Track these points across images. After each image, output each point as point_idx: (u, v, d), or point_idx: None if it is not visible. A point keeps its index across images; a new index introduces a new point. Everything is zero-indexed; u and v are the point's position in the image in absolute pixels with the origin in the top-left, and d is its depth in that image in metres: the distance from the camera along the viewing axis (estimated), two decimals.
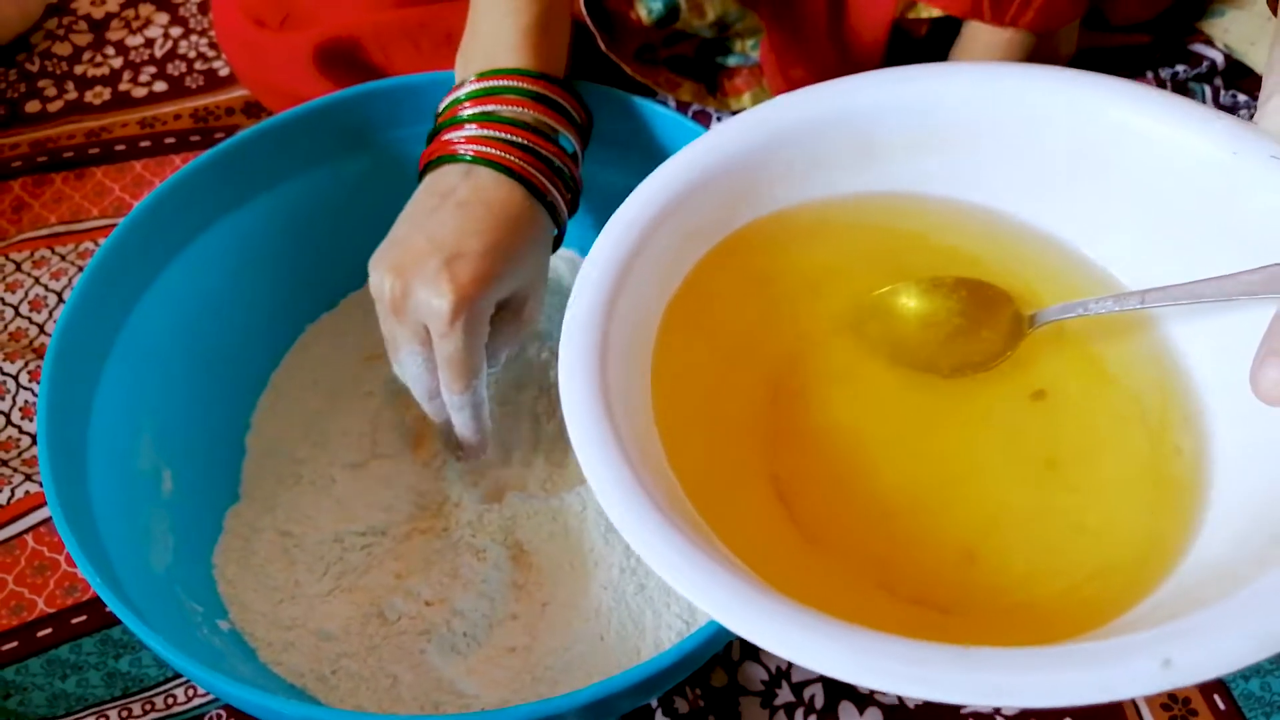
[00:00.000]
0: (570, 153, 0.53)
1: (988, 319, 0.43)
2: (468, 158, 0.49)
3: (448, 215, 0.48)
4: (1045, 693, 0.28)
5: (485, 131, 0.49)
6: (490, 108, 0.50)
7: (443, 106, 0.51)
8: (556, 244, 0.53)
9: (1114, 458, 0.40)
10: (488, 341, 0.49)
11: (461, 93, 0.51)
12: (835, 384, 0.43)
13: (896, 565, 0.38)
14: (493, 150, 0.49)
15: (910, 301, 0.44)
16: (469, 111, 0.50)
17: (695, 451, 0.39)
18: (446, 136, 0.50)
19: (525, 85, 0.50)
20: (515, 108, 0.50)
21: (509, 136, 0.49)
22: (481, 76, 0.50)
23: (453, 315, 0.46)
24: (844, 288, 0.45)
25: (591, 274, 0.39)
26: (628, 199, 0.42)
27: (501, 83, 0.50)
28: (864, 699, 0.51)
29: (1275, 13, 0.37)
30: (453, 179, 0.49)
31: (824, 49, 0.66)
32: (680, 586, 0.31)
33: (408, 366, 0.50)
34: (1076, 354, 0.43)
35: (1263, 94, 0.38)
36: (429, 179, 0.50)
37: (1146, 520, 0.38)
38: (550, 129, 0.51)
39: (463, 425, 0.51)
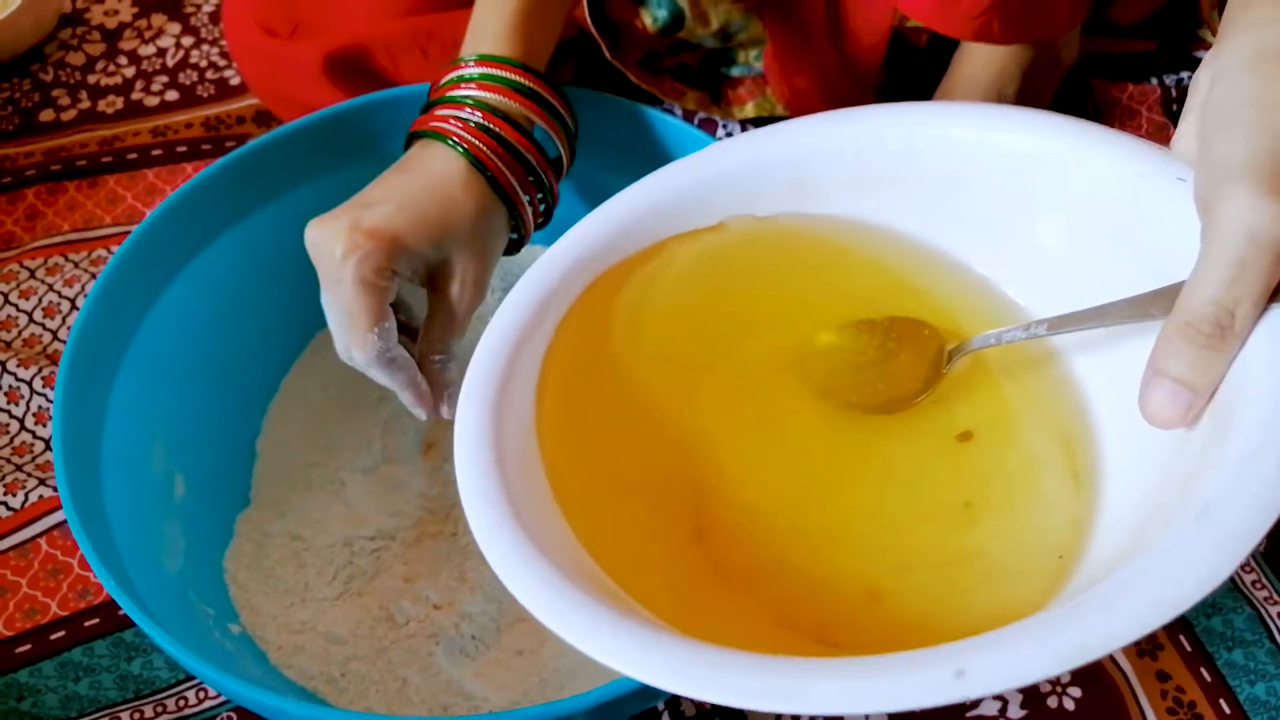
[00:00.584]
0: (553, 157, 0.52)
1: (915, 356, 0.43)
2: (427, 133, 0.49)
3: (384, 178, 0.49)
4: (833, 700, 0.28)
5: (449, 111, 0.49)
6: (460, 92, 0.50)
7: (445, 79, 0.52)
8: (516, 247, 0.53)
9: (1029, 499, 0.40)
10: (429, 327, 0.49)
11: (441, 80, 0.51)
12: (764, 425, 0.43)
13: (799, 603, 0.38)
14: (449, 127, 0.49)
15: (845, 341, 0.44)
16: (442, 95, 0.50)
17: (596, 493, 0.39)
18: (419, 118, 0.51)
19: (497, 71, 0.50)
20: (484, 92, 0.50)
21: (470, 116, 0.49)
22: (456, 64, 0.51)
23: (343, 256, 0.45)
24: (781, 325, 0.45)
25: (499, 323, 0.40)
26: (554, 246, 0.43)
27: (474, 69, 0.50)
28: None
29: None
30: (411, 152, 0.50)
31: (826, 57, 0.66)
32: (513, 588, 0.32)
33: (328, 317, 0.48)
34: (999, 393, 0.43)
35: (1182, 115, 0.38)
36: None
37: (1054, 562, 0.38)
38: (526, 120, 0.51)
39: (381, 380, 0.49)
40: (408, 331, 0.52)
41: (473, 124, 0.49)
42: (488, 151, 0.49)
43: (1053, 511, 0.39)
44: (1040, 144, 0.41)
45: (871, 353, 0.43)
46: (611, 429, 0.42)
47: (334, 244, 0.46)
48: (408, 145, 0.51)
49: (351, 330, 0.47)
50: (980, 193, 0.43)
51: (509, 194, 0.50)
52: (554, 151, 0.53)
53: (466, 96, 0.50)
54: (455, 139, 0.49)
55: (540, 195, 0.52)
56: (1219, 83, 0.35)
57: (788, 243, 0.46)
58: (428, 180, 0.48)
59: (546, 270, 0.43)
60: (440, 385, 0.50)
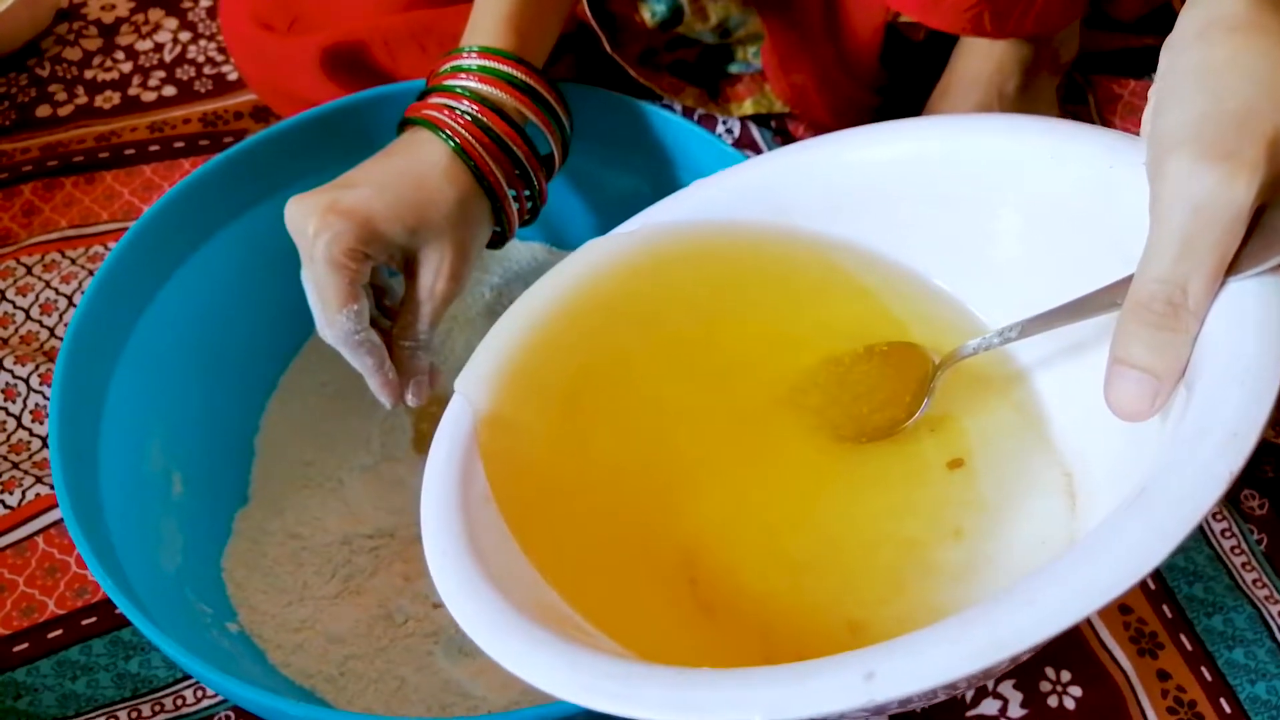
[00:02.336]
0: (544, 154, 0.52)
1: (904, 379, 0.42)
2: (418, 120, 0.49)
3: (370, 161, 0.49)
4: (739, 708, 0.28)
5: (442, 100, 0.49)
6: (456, 82, 0.50)
7: (445, 66, 0.51)
8: (499, 241, 0.53)
9: (1020, 522, 0.39)
10: (401, 313, 0.49)
11: (438, 69, 0.51)
12: (749, 458, 0.42)
13: (782, 636, 0.37)
14: (440, 116, 0.49)
15: (834, 371, 0.43)
16: (438, 85, 0.50)
17: (567, 534, 0.39)
18: (413, 104, 0.51)
19: (495, 64, 0.50)
20: (480, 84, 0.49)
21: (463, 107, 0.49)
22: (455, 54, 0.51)
23: (314, 234, 0.45)
24: (766, 359, 0.44)
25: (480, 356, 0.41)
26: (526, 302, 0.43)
27: (473, 61, 0.50)
28: None
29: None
30: (399, 139, 0.50)
31: (824, 53, 0.66)
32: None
33: (306, 294, 0.48)
34: (991, 419, 0.42)
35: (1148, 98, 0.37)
36: None
37: None
38: (519, 115, 0.51)
39: (350, 359, 0.49)
40: (390, 315, 0.52)
41: (464, 115, 0.49)
42: (475, 144, 0.49)
43: (1046, 532, 0.38)
44: (1007, 148, 0.41)
45: (863, 381, 0.43)
46: (590, 475, 0.42)
47: (308, 222, 0.46)
48: (400, 131, 0.51)
49: (323, 309, 0.47)
50: (946, 207, 0.43)
51: (493, 187, 0.50)
52: (546, 149, 0.53)
53: (462, 87, 0.49)
54: (444, 128, 0.48)
55: (528, 192, 0.52)
56: (1168, 56, 0.34)
57: (771, 267, 0.46)
58: (411, 166, 0.48)
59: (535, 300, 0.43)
60: (409, 373, 0.50)
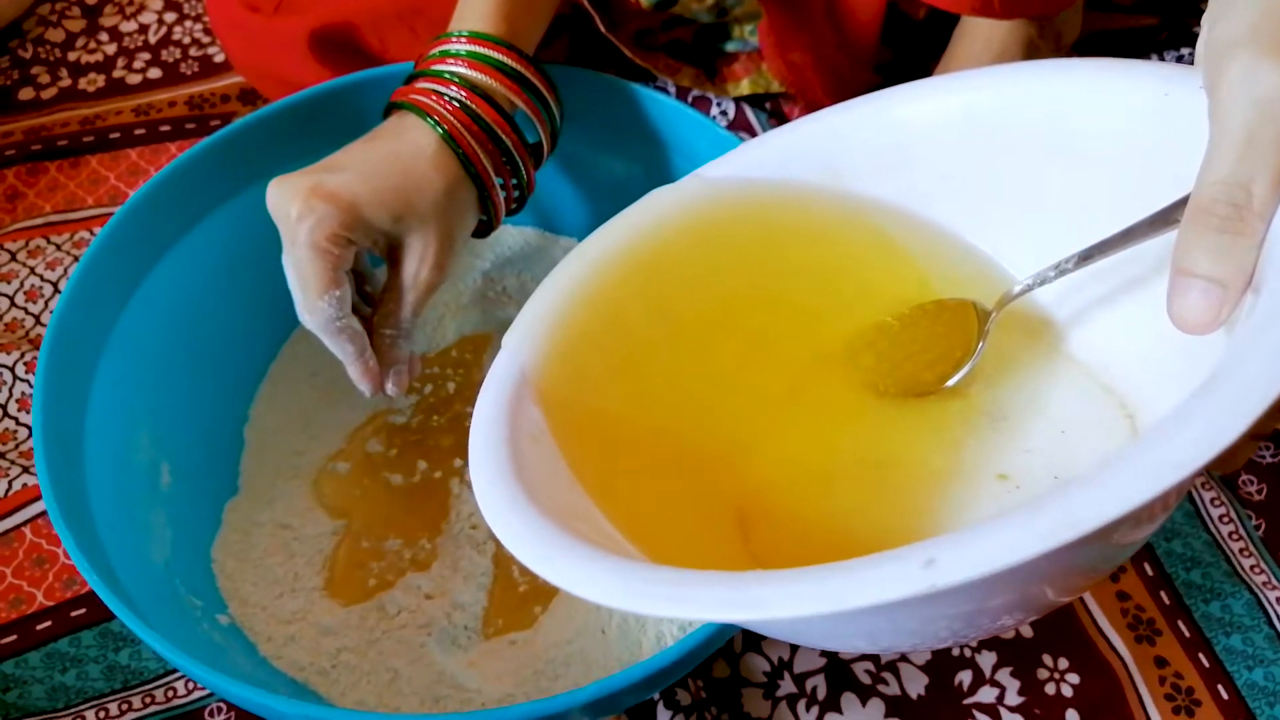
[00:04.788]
0: (532, 142, 0.51)
1: (957, 334, 0.42)
2: (405, 105, 0.48)
3: (355, 144, 0.48)
4: (800, 599, 0.27)
5: (431, 85, 0.49)
6: (445, 67, 0.49)
7: (436, 50, 0.51)
8: (486, 230, 0.52)
9: (1071, 459, 0.39)
10: (383, 300, 0.49)
11: (427, 52, 0.50)
12: (808, 415, 0.42)
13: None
14: (428, 101, 0.48)
15: (890, 330, 0.43)
16: (426, 69, 0.49)
17: (636, 481, 0.39)
18: (400, 88, 0.50)
19: (485, 50, 0.49)
20: (469, 70, 0.49)
21: (451, 93, 0.48)
22: (444, 38, 0.50)
23: (297, 218, 0.45)
24: (816, 319, 0.44)
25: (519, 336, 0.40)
26: (575, 257, 0.42)
27: (462, 46, 0.49)
28: (866, 690, 0.51)
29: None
30: (385, 123, 0.49)
31: (822, 31, 0.65)
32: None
33: (287, 277, 0.48)
34: (1048, 369, 0.42)
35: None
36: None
37: None
38: (508, 102, 0.50)
39: (330, 348, 0.49)
40: (371, 302, 0.51)
41: (453, 101, 0.48)
42: (463, 130, 0.48)
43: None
44: (1060, 92, 0.40)
45: (914, 339, 0.43)
46: (647, 421, 0.41)
47: (290, 205, 0.45)
48: (386, 114, 0.50)
49: (303, 294, 0.46)
50: (996, 159, 0.42)
51: (480, 175, 0.49)
52: (534, 137, 0.52)
53: (451, 73, 0.49)
54: (432, 114, 0.48)
55: (515, 180, 0.51)
56: None
57: (818, 229, 0.45)
58: (397, 151, 0.47)
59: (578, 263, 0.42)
60: (389, 362, 0.49)
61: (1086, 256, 0.38)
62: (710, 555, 0.38)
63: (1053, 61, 0.41)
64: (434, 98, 0.48)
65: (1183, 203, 0.32)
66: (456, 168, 0.48)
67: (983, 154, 0.42)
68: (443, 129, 0.48)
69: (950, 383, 0.42)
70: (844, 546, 0.38)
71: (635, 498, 0.38)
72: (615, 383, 0.41)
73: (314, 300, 0.46)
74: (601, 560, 0.30)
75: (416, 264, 0.48)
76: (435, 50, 0.50)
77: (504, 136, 0.49)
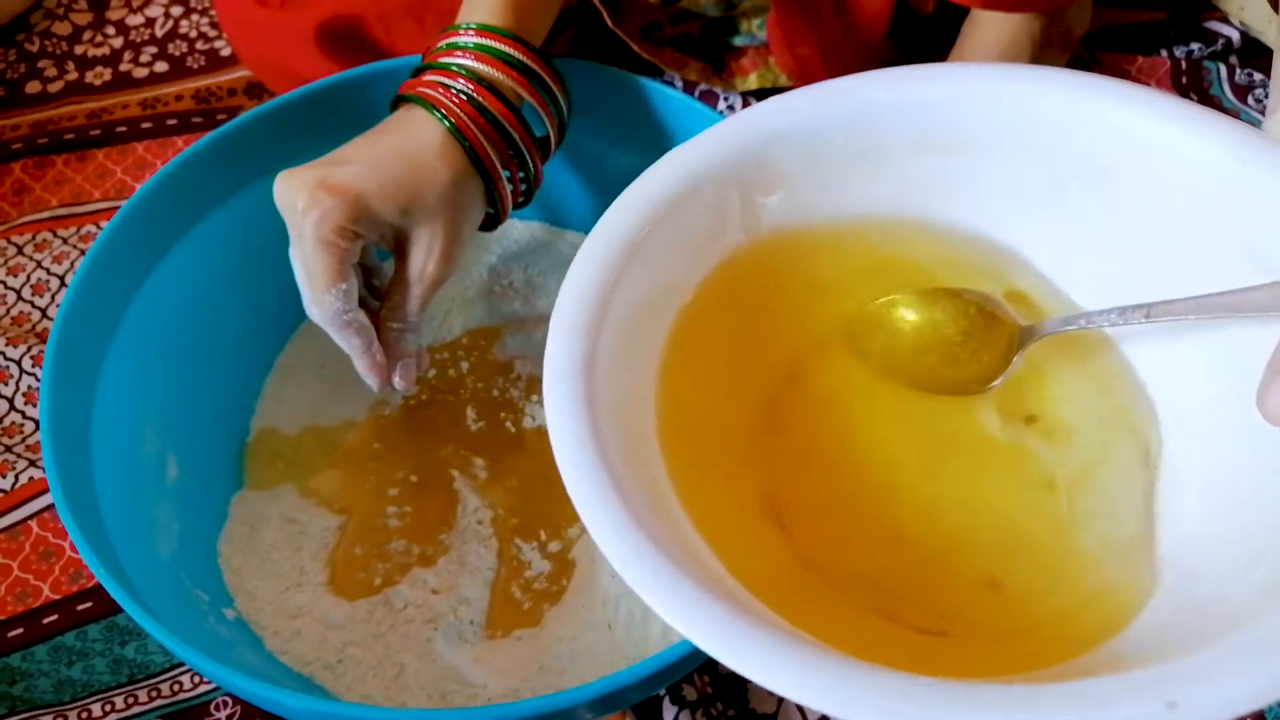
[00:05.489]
0: (540, 136, 0.51)
1: (988, 337, 0.42)
2: (412, 98, 0.48)
3: (362, 138, 0.48)
4: None
5: (437, 78, 0.48)
6: (452, 60, 0.48)
7: (441, 44, 0.50)
8: (493, 223, 0.52)
9: (1105, 480, 0.39)
10: (390, 294, 0.48)
11: (434, 45, 0.50)
12: (831, 403, 0.42)
13: (907, 592, 0.37)
14: (435, 94, 0.48)
15: (910, 317, 0.43)
16: (433, 61, 0.49)
17: (694, 476, 0.38)
18: (407, 81, 0.50)
19: (492, 42, 0.49)
20: (477, 62, 0.48)
21: (458, 85, 0.48)
22: (452, 30, 0.50)
23: (304, 211, 0.45)
24: (837, 305, 0.44)
25: (577, 283, 0.38)
26: (615, 201, 0.40)
27: (470, 38, 0.49)
28: None
29: (1276, 9, 0.36)
30: (392, 116, 0.49)
31: (830, 25, 0.65)
32: (677, 624, 0.30)
33: (295, 271, 0.47)
34: (1072, 372, 0.42)
35: (1271, 100, 0.37)
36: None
37: (1139, 545, 0.37)
38: (515, 95, 0.50)
39: (339, 343, 0.48)
40: (378, 296, 0.51)
41: (460, 94, 0.48)
42: (470, 123, 0.48)
43: (1128, 489, 0.39)
44: (1133, 122, 0.39)
45: (945, 333, 0.42)
46: (710, 393, 0.41)
47: (297, 198, 0.45)
48: (393, 108, 0.50)
49: (310, 288, 0.46)
50: (1049, 167, 0.42)
51: (487, 168, 0.49)
52: (542, 130, 0.52)
53: (458, 65, 0.49)
54: (439, 107, 0.47)
55: (522, 174, 0.51)
56: None
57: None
58: (404, 145, 0.47)
59: (622, 218, 0.40)
60: (396, 355, 0.49)
61: (1154, 312, 0.38)
62: (751, 542, 0.38)
63: (1131, 86, 0.40)
64: (441, 90, 0.48)
65: (1264, 289, 0.33)
66: (463, 161, 0.48)
67: (1033, 157, 0.42)
68: (449, 122, 0.47)
69: (992, 385, 0.42)
70: (890, 545, 0.38)
71: (690, 478, 0.38)
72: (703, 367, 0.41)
73: (321, 294, 0.46)
74: (796, 651, 0.29)
75: (424, 257, 0.48)
76: (442, 43, 0.50)
77: (511, 130, 0.49)
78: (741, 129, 0.42)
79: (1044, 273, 0.44)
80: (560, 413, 0.34)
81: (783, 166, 0.43)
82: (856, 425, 0.41)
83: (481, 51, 0.49)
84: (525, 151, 0.50)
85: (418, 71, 0.50)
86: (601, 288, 0.38)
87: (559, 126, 0.52)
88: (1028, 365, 0.42)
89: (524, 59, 0.49)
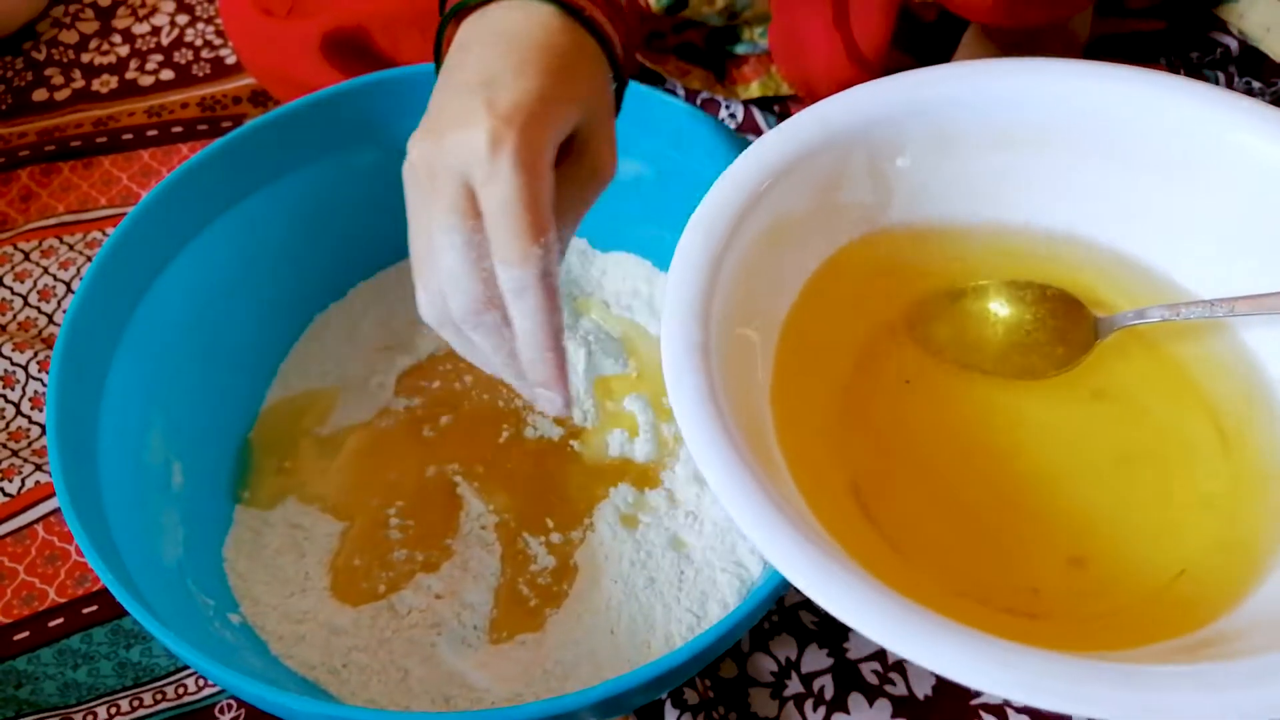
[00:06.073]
0: None
1: (1065, 327, 0.43)
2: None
3: (472, 57, 0.38)
4: (1202, 713, 0.27)
5: None
6: None
7: None
8: (618, 99, 0.44)
9: (1185, 458, 0.40)
10: (559, 217, 0.39)
11: None
12: (903, 390, 0.42)
13: (992, 571, 0.37)
14: None
15: (985, 306, 0.44)
16: None
17: (797, 455, 0.38)
18: None
19: None
20: None
21: None
22: None
23: (493, 144, 0.35)
24: (911, 292, 0.45)
25: (685, 273, 0.38)
26: (709, 193, 0.41)
27: None
28: (873, 690, 0.51)
29: None
30: (470, 28, 0.40)
31: (832, 33, 0.65)
32: (835, 610, 0.31)
33: (442, 256, 0.37)
34: (1140, 357, 0.43)
35: None
36: (449, 50, 0.41)
37: (1225, 522, 0.38)
38: None
39: (528, 327, 0.38)
40: None
41: None
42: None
43: (1217, 472, 0.39)
44: (1222, 126, 0.41)
45: (1020, 321, 0.43)
46: (811, 371, 0.42)
47: (474, 134, 0.36)
48: (442, 24, 0.41)
49: (513, 238, 0.36)
50: (1129, 164, 0.43)
51: (604, 36, 0.41)
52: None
53: None
54: None
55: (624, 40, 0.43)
56: None
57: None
58: (526, 36, 0.38)
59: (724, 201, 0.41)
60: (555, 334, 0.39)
61: (1239, 307, 0.39)
62: (842, 523, 0.38)
63: (1212, 88, 0.42)
64: None
65: None
66: (581, 31, 0.40)
67: (1116, 152, 0.43)
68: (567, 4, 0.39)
69: (1070, 367, 0.42)
70: (972, 527, 0.38)
71: (795, 456, 0.38)
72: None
73: (527, 248, 0.36)
74: (969, 639, 0.30)
75: (605, 147, 0.41)
76: None
77: None
78: (879, 96, 0.43)
79: (1129, 265, 0.44)
80: (685, 395, 0.35)
81: (866, 147, 0.43)
82: (930, 412, 0.42)
83: None
84: (622, 6, 0.42)
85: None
86: (703, 287, 0.38)
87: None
88: (1112, 348, 0.43)
89: None
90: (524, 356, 0.39)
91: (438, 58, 0.43)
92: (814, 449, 0.40)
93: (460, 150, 0.36)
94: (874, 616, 0.30)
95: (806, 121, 0.43)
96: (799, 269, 0.43)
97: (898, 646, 0.30)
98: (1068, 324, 0.42)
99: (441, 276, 0.38)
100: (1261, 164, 0.40)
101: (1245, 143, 0.40)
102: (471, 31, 0.40)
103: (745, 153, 0.42)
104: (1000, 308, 0.44)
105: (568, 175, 0.40)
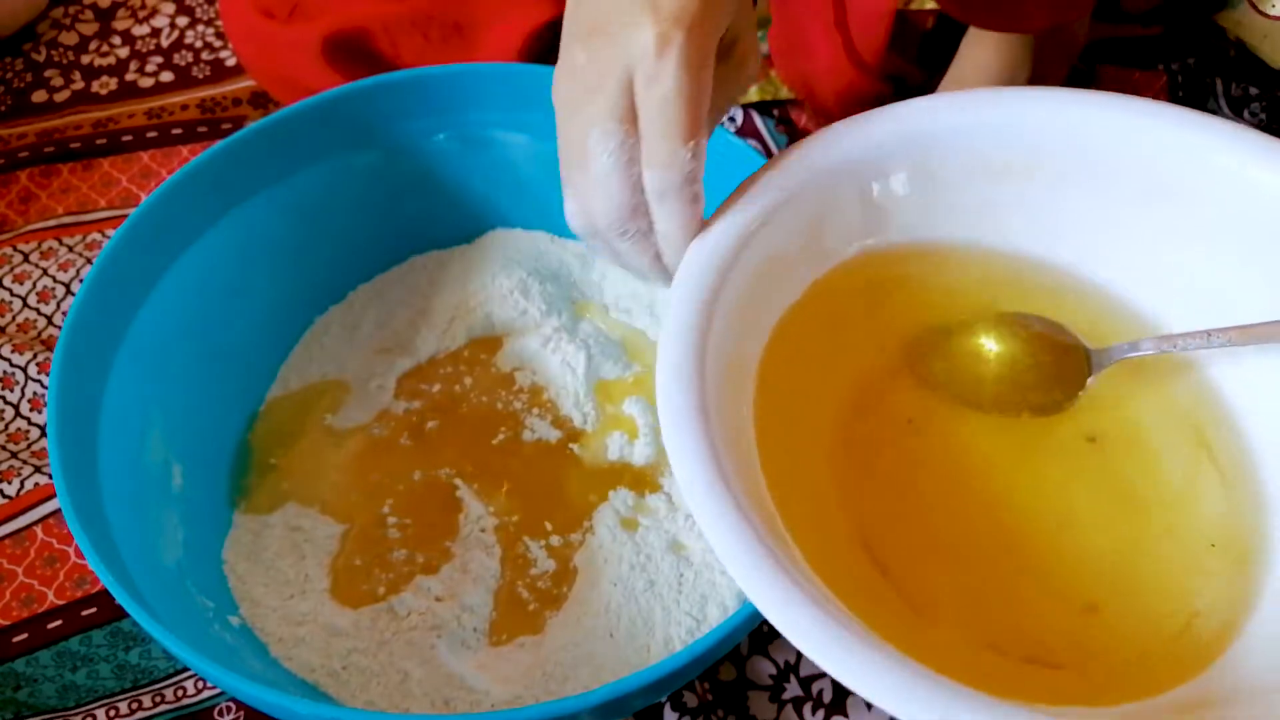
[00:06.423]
0: None
1: (1059, 360, 0.42)
2: None
3: None
4: None
5: None
6: None
7: None
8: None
9: (1187, 496, 0.40)
10: (710, 115, 0.38)
11: None
12: (906, 434, 0.42)
13: (1009, 622, 0.37)
14: None
15: (979, 341, 0.43)
16: None
17: (789, 499, 0.37)
18: None
19: None
20: None
21: None
22: None
23: (661, 44, 0.35)
24: (906, 328, 0.44)
25: (683, 299, 0.37)
26: (713, 217, 0.40)
27: None
28: None
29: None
30: None
31: (831, 37, 0.65)
32: (840, 675, 0.30)
33: (595, 160, 0.37)
34: (1135, 391, 0.42)
35: None
36: None
37: (1233, 561, 0.37)
38: None
39: (674, 226, 0.38)
40: None
41: None
42: None
43: (1211, 506, 0.39)
44: (1220, 156, 0.40)
45: (1014, 356, 0.43)
46: (800, 420, 0.41)
47: (643, 38, 0.36)
48: None
49: (674, 135, 0.36)
50: (1117, 193, 0.42)
51: None
52: None
53: None
54: None
55: None
56: None
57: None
58: None
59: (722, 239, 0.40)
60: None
61: (1244, 336, 0.38)
62: (851, 577, 0.37)
63: (1198, 115, 0.41)
64: None
65: None
66: None
67: (1097, 182, 0.43)
68: None
69: (1062, 407, 0.42)
70: (984, 575, 0.38)
71: (787, 501, 0.37)
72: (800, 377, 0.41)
73: (676, 150, 0.37)
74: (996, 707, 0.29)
75: (750, 45, 0.41)
76: None
77: None
78: (875, 125, 0.42)
79: (1117, 296, 0.44)
80: (675, 422, 0.34)
81: (906, 170, 0.43)
82: (934, 456, 0.41)
83: None
84: None
85: None
86: (701, 316, 0.37)
87: None
88: (1103, 385, 0.42)
89: None
90: (666, 259, 0.40)
91: None
92: (813, 493, 0.39)
93: (631, 47, 0.36)
94: (887, 686, 0.29)
95: (795, 157, 0.42)
96: (782, 301, 0.42)
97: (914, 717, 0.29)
98: (1062, 357, 0.42)
99: (591, 183, 0.38)
100: (1253, 193, 0.40)
101: (1230, 166, 0.40)
102: None
103: (733, 195, 0.41)
104: (993, 343, 0.43)
105: (719, 74, 0.39)
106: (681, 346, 0.36)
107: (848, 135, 0.42)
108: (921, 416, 0.42)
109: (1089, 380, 0.42)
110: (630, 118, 0.37)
